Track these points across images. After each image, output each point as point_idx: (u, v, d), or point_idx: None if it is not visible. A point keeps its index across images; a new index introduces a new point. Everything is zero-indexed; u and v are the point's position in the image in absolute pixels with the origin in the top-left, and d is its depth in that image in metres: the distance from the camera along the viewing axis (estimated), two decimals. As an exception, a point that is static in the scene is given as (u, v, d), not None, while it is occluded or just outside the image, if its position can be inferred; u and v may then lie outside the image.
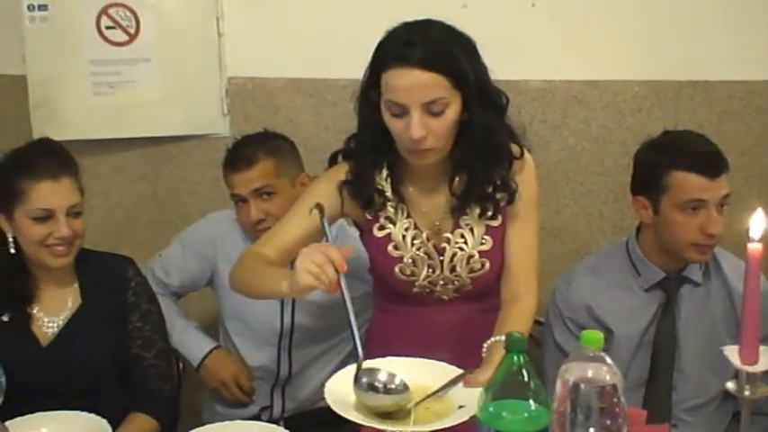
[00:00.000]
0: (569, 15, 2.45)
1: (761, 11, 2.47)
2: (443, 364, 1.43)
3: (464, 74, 1.49)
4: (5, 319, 1.73)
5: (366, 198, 1.61)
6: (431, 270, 1.62)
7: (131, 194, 2.58)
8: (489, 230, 1.62)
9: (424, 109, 1.47)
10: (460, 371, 1.40)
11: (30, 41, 2.44)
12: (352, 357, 2.08)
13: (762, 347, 1.14)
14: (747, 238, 1.13)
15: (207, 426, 1.51)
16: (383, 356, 1.42)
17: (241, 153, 2.03)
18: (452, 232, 1.62)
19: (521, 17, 2.46)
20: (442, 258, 1.62)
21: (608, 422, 1.10)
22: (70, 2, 2.43)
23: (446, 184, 1.61)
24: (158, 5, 2.46)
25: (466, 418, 1.27)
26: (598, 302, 1.91)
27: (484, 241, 1.62)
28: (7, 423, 1.47)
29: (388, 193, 1.62)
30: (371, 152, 1.60)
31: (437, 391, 1.36)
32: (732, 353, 1.14)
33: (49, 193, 1.70)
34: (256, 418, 2.12)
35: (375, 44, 1.53)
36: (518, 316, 1.58)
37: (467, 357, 1.46)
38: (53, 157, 1.74)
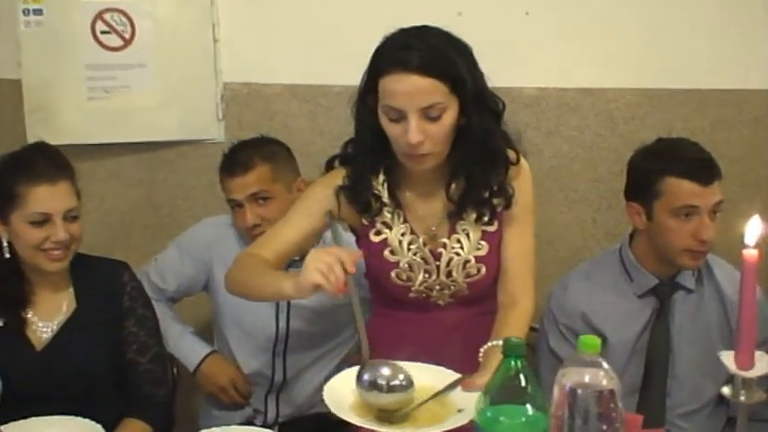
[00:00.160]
0: (563, 24, 2.47)
1: (754, 20, 2.50)
2: (441, 368, 1.43)
3: (461, 79, 1.49)
4: (0, 324, 1.72)
5: (363, 203, 1.61)
6: (427, 275, 1.62)
7: (126, 199, 2.58)
8: (485, 236, 1.63)
9: (421, 114, 1.47)
10: (458, 375, 1.41)
11: (25, 46, 2.44)
12: (346, 363, 2.10)
13: (757, 353, 1.14)
14: (743, 244, 1.14)
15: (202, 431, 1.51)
16: None
17: (237, 158, 2.03)
18: (449, 237, 1.62)
19: (515, 25, 2.47)
20: (438, 263, 1.62)
21: (605, 427, 1.10)
22: (65, 6, 2.43)
23: (443, 189, 1.61)
24: (154, 11, 2.46)
25: (465, 421, 1.27)
26: (593, 308, 1.92)
27: (480, 246, 1.62)
28: (2, 428, 1.46)
29: (385, 198, 1.63)
30: (368, 157, 1.60)
31: (436, 394, 1.36)
32: (728, 358, 1.14)
33: (46, 197, 1.70)
34: (250, 422, 2.12)
35: (370, 51, 1.54)
36: (515, 320, 1.58)
37: (463, 362, 1.46)
38: (50, 161, 1.74)
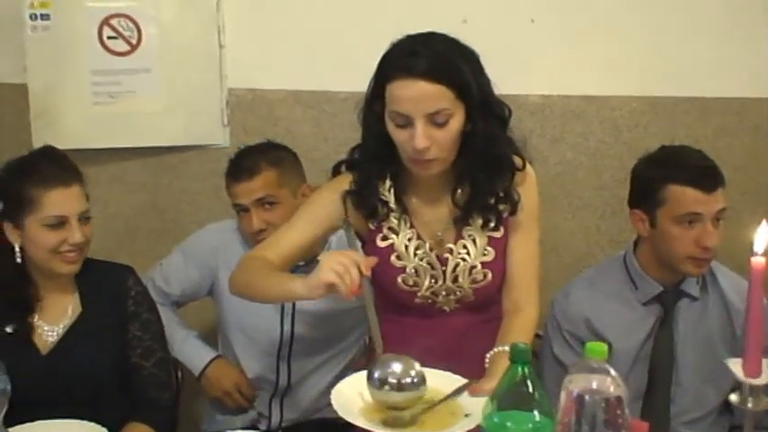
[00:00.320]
0: (568, 31, 2.48)
1: (757, 29, 2.51)
2: (448, 373, 1.43)
3: (468, 85, 1.50)
4: (10, 330, 1.72)
5: (370, 208, 1.62)
6: (433, 280, 1.63)
7: (131, 204, 2.58)
8: (491, 241, 1.63)
9: (428, 120, 1.48)
10: (465, 380, 1.41)
11: (31, 50, 2.44)
12: (350, 369, 2.10)
13: (765, 360, 1.15)
14: (750, 251, 1.14)
15: None
16: None
17: (244, 163, 2.04)
18: (455, 243, 1.63)
19: (520, 32, 2.48)
20: (444, 269, 1.63)
21: (612, 433, 1.11)
22: (73, 11, 2.43)
23: (449, 194, 1.62)
24: (160, 16, 2.47)
25: (472, 426, 1.28)
26: (596, 315, 1.92)
27: (486, 252, 1.63)
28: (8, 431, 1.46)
29: (392, 204, 1.63)
30: (375, 163, 1.61)
31: (444, 398, 1.36)
32: (735, 365, 1.15)
33: (61, 200, 1.71)
34: (254, 426, 2.12)
35: (375, 58, 1.54)
36: (520, 327, 1.59)
37: (468, 368, 1.46)
38: (60, 165, 1.75)
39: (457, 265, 1.62)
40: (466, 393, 1.38)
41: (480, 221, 1.62)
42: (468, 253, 1.63)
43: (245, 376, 2.14)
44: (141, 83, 2.47)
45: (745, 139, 2.57)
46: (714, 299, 1.94)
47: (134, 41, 2.46)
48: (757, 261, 1.12)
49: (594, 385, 1.12)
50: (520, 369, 1.16)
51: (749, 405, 1.14)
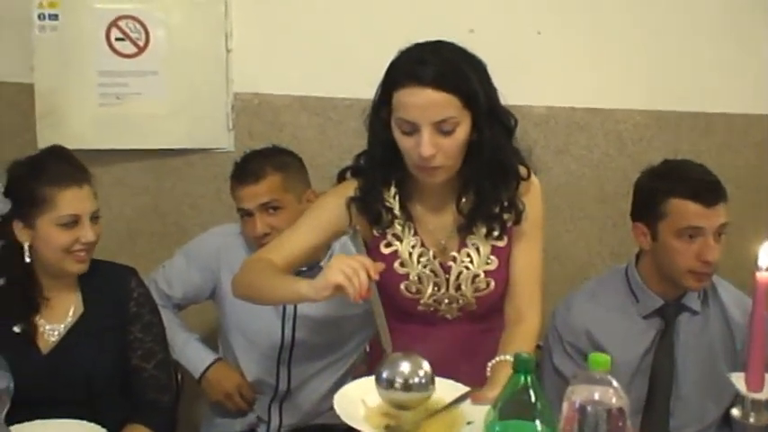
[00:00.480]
0: (574, 44, 2.49)
1: (761, 46, 2.52)
2: (450, 381, 1.43)
3: (475, 94, 1.51)
4: (18, 330, 1.72)
5: (374, 214, 1.62)
6: (436, 288, 1.63)
7: (133, 206, 2.58)
8: (495, 250, 1.64)
9: (434, 127, 1.49)
10: (467, 388, 1.41)
11: (39, 50, 2.44)
12: (350, 375, 2.10)
13: (767, 375, 1.15)
14: (754, 266, 1.15)
15: None
16: None
17: (249, 167, 2.04)
18: (458, 251, 1.63)
19: (526, 44, 2.49)
20: (447, 276, 1.63)
21: (613, 445, 1.11)
22: (81, 12, 2.44)
23: (453, 202, 1.62)
24: (168, 19, 2.48)
25: (474, 434, 1.28)
26: (597, 327, 1.92)
27: (489, 261, 1.63)
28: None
29: (396, 211, 1.63)
30: (380, 169, 1.61)
31: (446, 406, 1.36)
32: (738, 379, 1.15)
33: (75, 199, 1.72)
34: (253, 430, 2.12)
35: (381, 66, 1.55)
36: (522, 336, 1.59)
37: (469, 377, 1.47)
38: (72, 165, 1.75)
39: (460, 273, 1.63)
40: (468, 401, 1.39)
41: (484, 230, 1.62)
42: (471, 261, 1.63)
43: (246, 379, 2.13)
44: (148, 85, 2.48)
45: (749, 156, 2.59)
46: (715, 313, 1.94)
47: (141, 44, 2.47)
48: (762, 276, 1.13)
49: (597, 396, 1.13)
50: (522, 378, 1.16)
51: (751, 420, 1.14)
